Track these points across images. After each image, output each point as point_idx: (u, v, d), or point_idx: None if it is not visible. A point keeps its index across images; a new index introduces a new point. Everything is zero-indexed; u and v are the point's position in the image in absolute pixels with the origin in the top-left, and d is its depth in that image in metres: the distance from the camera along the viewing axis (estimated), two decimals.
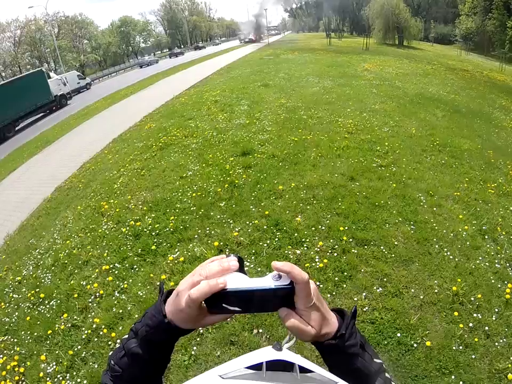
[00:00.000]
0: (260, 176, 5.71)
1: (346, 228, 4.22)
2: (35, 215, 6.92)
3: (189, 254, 4.14)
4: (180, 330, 0.61)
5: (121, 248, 4.55)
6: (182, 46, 74.12)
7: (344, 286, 3.45)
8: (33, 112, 21.42)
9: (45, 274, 4.56)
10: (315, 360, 1.97)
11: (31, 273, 4.73)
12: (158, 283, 3.73)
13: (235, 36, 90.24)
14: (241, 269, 0.59)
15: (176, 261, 4.04)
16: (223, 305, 0.57)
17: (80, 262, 4.54)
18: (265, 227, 4.39)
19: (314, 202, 4.84)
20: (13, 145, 16.50)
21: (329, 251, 3.90)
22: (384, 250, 3.88)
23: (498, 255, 3.88)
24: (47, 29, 50.36)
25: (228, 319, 0.68)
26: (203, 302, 0.57)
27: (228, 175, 5.89)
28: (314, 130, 7.57)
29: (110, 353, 0.70)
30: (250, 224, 4.51)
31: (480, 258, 3.81)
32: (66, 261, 4.66)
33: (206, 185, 5.68)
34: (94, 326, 3.43)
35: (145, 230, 4.77)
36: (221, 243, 4.24)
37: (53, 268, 4.66)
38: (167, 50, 75.46)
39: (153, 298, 3.50)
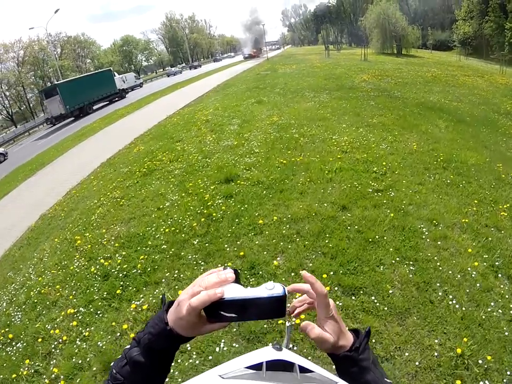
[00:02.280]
0: (240, 207, 5.22)
1: (332, 272, 3.64)
2: (18, 245, 6.65)
3: (154, 301, 3.75)
4: (181, 338, 0.65)
5: (89, 290, 4.22)
6: (184, 64, 75.35)
7: None
8: (104, 98, 29.62)
9: (16, 313, 4.30)
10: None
11: (4, 309, 4.47)
12: (118, 334, 3.47)
13: (236, 52, 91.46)
14: (237, 280, 0.65)
15: (139, 309, 3.67)
16: (221, 312, 0.61)
17: (48, 302, 4.25)
18: (238, 271, 3.81)
19: (298, 239, 4.28)
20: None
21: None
22: (375, 300, 3.27)
23: None
24: (50, 49, 51.27)
25: (225, 328, 0.70)
26: (203, 311, 0.62)
27: (205, 206, 5.45)
28: (306, 151, 7.04)
29: (112, 363, 0.70)
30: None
31: (492, 304, 3.19)
32: (36, 300, 4.38)
33: (182, 219, 5.26)
34: (53, 375, 3.17)
35: (113, 270, 4.45)
36: None
37: (24, 306, 4.38)
38: (170, 67, 76.83)
39: (114, 349, 3.26)
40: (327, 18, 55.26)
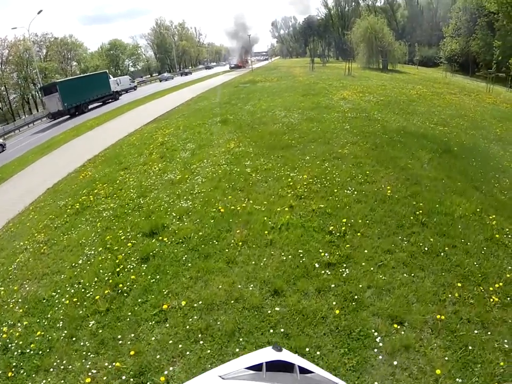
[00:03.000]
0: (151, 278, 4.26)
1: None
2: None
3: None
4: None
5: None
6: (172, 71, 74.52)
7: None
8: (99, 99, 30.36)
9: None
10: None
11: None
12: None
13: (225, 61, 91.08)
14: None
15: None
16: None
17: None
18: (124, 376, 3.07)
19: (203, 340, 3.23)
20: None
21: None
22: None
23: None
24: (34, 50, 49.69)
25: None
26: None
27: (115, 272, 4.54)
28: (253, 193, 5.82)
29: None
30: (111, 366, 3.21)
31: None
32: None
33: (88, 286, 4.42)
34: None
35: (11, 344, 3.80)
36: None
37: None
38: (157, 74, 76.24)
39: None
40: (315, 31, 54.85)
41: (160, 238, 5.06)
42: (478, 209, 5.29)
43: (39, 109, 45.29)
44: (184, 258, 4.48)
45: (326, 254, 4.06)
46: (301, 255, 4.11)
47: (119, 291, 4.17)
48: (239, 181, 6.36)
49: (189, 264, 4.34)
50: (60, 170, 10.64)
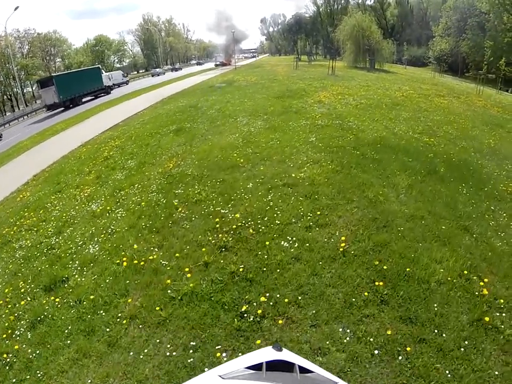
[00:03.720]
0: (32, 352, 3.50)
1: None
2: None
3: None
4: None
5: None
6: (160, 67, 73.99)
7: None
8: (92, 93, 31.88)
9: None
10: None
11: None
12: None
13: (213, 58, 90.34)
14: None
15: None
16: None
17: None
18: None
19: None
20: None
21: None
22: None
23: None
24: (16, 46, 48.23)
25: None
26: None
27: (3, 337, 3.86)
28: (170, 238, 4.66)
29: None
30: None
31: None
32: None
33: None
34: None
35: None
36: None
37: None
38: (144, 70, 75.46)
39: None
40: (302, 28, 53.70)
41: (53, 297, 4.20)
42: (465, 270, 3.79)
43: (21, 107, 43.72)
44: (66, 331, 3.62)
45: (224, 355, 2.76)
46: (193, 349, 2.95)
47: (4, 361, 3.54)
48: (160, 218, 5.14)
49: (69, 341, 3.51)
50: (6, 188, 9.58)
